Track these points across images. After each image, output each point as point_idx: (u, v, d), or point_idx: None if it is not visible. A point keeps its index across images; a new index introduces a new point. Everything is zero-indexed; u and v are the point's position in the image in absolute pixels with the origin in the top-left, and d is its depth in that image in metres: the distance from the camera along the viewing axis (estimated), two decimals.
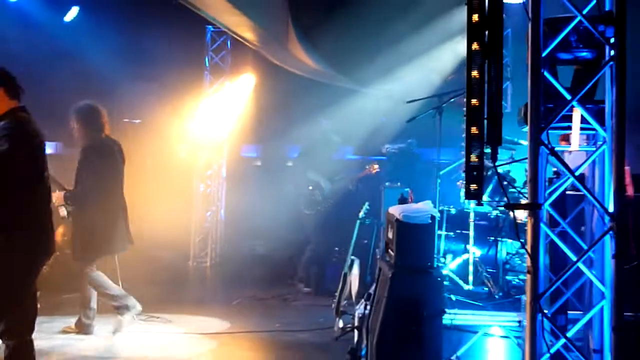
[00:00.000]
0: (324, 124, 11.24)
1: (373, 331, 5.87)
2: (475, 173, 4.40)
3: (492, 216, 8.79)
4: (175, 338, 8.41)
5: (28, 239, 5.39)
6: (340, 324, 8.35)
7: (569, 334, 4.42)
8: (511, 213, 5.31)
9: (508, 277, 8.51)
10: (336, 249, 10.93)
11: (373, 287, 7.31)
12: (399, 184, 10.26)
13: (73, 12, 12.65)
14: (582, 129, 4.75)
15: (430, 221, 5.99)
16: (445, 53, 11.62)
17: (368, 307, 6.36)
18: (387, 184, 10.05)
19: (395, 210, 6.09)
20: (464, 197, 4.89)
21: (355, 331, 6.97)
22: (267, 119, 13.84)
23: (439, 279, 6.19)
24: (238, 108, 13.11)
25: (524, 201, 7.73)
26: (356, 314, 7.33)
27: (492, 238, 8.64)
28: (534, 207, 4.26)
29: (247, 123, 13.52)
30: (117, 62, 12.07)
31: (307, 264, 11.10)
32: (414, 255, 5.85)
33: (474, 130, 4.31)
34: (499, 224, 8.67)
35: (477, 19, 4.34)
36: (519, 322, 7.14)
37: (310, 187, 10.86)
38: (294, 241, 11.77)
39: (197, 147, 13.33)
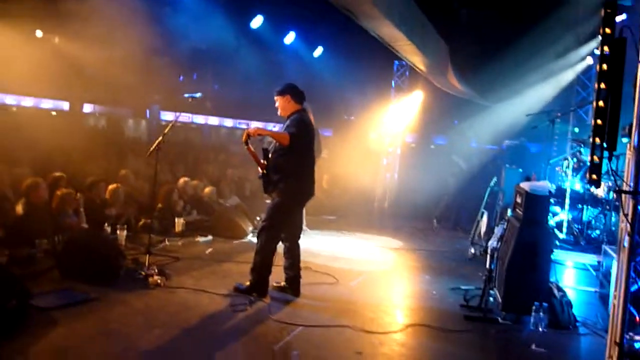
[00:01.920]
0: (461, 125, 11.27)
1: (502, 259, 5.85)
2: (596, 168, 4.14)
3: (580, 192, 8.35)
4: (372, 249, 8.87)
5: (298, 184, 5.75)
6: (472, 250, 8.59)
7: None
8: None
9: (589, 232, 8.09)
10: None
11: (500, 231, 7.39)
12: (514, 166, 10.16)
13: (319, 51, 13.19)
14: None
15: (548, 193, 5.88)
16: (552, 83, 11.19)
17: (498, 243, 6.20)
18: (507, 165, 9.90)
19: (525, 185, 5.99)
20: (586, 180, 4.51)
21: (488, 257, 6.75)
22: (426, 119, 13.92)
23: (550, 230, 6.13)
24: (411, 112, 13.29)
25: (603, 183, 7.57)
26: (488, 247, 7.20)
27: (580, 205, 8.24)
28: (635, 194, 3.93)
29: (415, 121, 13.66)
30: (342, 82, 12.62)
31: (445, 209, 11.15)
32: (535, 214, 5.67)
33: (597, 140, 4.07)
34: (585, 197, 8.18)
35: (605, 68, 4.05)
36: (599, 262, 6.98)
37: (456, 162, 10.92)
38: (439, 196, 11.93)
39: (383, 135, 13.65)
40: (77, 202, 7.18)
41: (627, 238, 3.87)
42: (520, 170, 9.59)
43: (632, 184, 3.85)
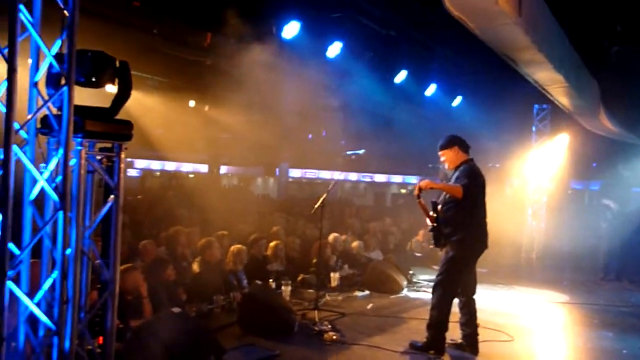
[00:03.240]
0: (621, 168, 10.52)
1: None
2: None
3: None
4: (537, 303, 8.41)
5: (471, 237, 5.57)
6: None
7: None
8: None
9: None
10: None
11: None
12: None
13: (458, 100, 13.13)
14: None
15: None
16: None
17: None
18: None
19: None
20: None
21: None
22: (576, 163, 13.23)
23: None
24: (557, 158, 12.67)
25: None
26: None
27: None
28: None
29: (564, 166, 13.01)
30: (481, 130, 12.39)
31: (607, 259, 10.36)
32: None
33: None
34: None
35: None
36: None
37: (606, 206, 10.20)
38: (594, 246, 11.14)
39: (527, 182, 13.10)
40: (245, 258, 7.50)
41: None
42: None
43: None
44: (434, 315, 5.63)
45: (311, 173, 27.59)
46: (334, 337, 5.85)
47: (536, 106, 13.32)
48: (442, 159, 5.87)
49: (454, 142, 5.78)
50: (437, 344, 5.59)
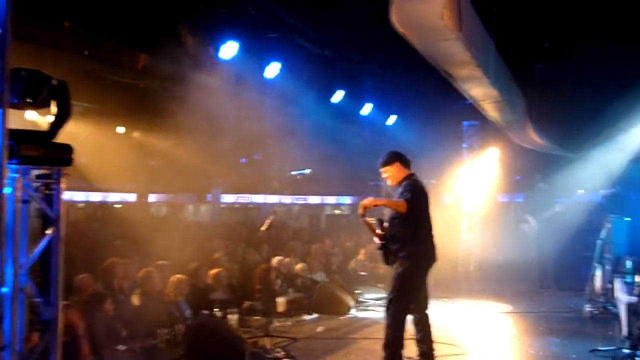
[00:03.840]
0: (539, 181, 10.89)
1: None
2: None
3: None
4: (483, 314, 8.57)
5: (419, 250, 5.51)
6: (589, 308, 8.17)
7: None
8: None
9: None
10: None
11: (622, 285, 7.00)
12: (619, 215, 9.52)
13: (392, 119, 13.30)
14: None
15: None
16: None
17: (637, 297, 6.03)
18: (611, 216, 9.41)
19: None
20: None
21: (625, 313, 6.51)
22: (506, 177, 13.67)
23: None
24: (487, 173, 13.06)
25: None
26: (624, 302, 6.79)
27: None
28: None
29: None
30: (416, 146, 12.55)
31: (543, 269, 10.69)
32: None
33: None
34: None
35: None
36: None
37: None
38: (529, 257, 11.53)
39: (460, 197, 13.40)
40: (187, 288, 7.18)
41: None
42: (629, 219, 9.14)
43: None
44: (390, 334, 5.52)
45: (244, 198, 27.17)
46: None
47: (466, 123, 13.75)
48: (384, 175, 5.81)
49: (396, 158, 5.74)
50: None
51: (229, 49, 8.21)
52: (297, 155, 14.48)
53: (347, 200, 26.63)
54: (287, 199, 28.22)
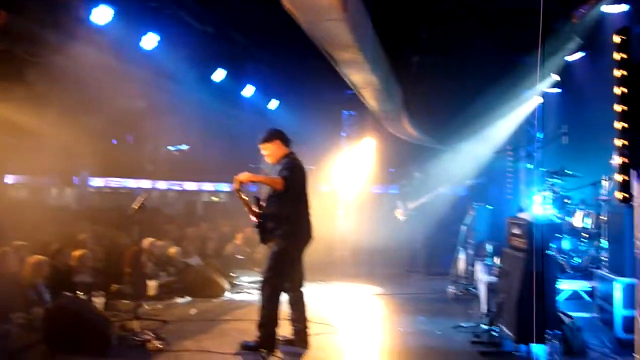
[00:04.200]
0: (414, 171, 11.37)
1: (505, 292, 5.86)
2: (624, 186, 4.25)
3: (557, 222, 7.97)
4: (356, 295, 8.79)
5: (296, 229, 5.58)
6: (453, 289, 8.64)
7: None
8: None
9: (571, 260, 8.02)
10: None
11: (483, 267, 7.48)
12: (482, 204, 10.18)
13: (274, 103, 13.15)
14: None
15: (550, 220, 6.09)
16: (505, 123, 11.66)
17: (495, 278, 6.34)
18: (475, 204, 10.03)
19: (526, 215, 6.11)
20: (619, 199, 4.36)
21: (484, 292, 6.98)
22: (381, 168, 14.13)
23: (555, 257, 6.18)
24: (364, 160, 13.46)
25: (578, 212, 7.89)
26: (483, 282, 7.25)
27: (559, 235, 7.96)
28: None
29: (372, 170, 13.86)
30: (296, 132, 12.55)
31: (414, 255, 11.14)
32: (540, 243, 5.52)
33: (624, 160, 4.25)
34: (562, 228, 8.00)
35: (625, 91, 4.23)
36: (592, 287, 7.05)
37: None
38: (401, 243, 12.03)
39: (337, 185, 13.69)
40: (47, 270, 6.65)
41: None
42: (490, 207, 9.83)
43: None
44: (264, 314, 5.52)
45: (115, 182, 25.75)
46: (159, 345, 5.43)
47: (345, 112, 14.07)
48: (263, 152, 5.79)
49: (276, 135, 5.75)
50: (268, 342, 5.49)
51: (102, 14, 7.64)
52: (173, 136, 13.98)
53: (224, 187, 26.15)
54: (162, 185, 27.21)
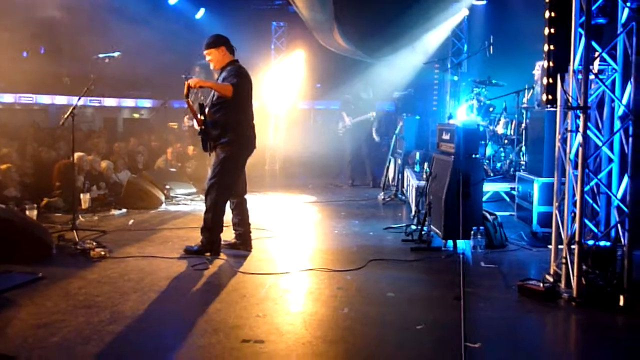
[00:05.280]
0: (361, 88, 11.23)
1: (435, 194, 6.25)
2: (551, 88, 4.46)
3: (481, 129, 8.42)
4: (290, 203, 9.09)
5: (241, 137, 5.64)
6: (383, 196, 9.09)
7: None
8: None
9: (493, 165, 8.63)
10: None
11: (413, 174, 7.87)
12: (409, 114, 10.49)
13: (201, 12, 12.69)
14: None
15: (476, 127, 6.37)
16: (433, 35, 11.83)
17: (424, 182, 6.79)
18: (404, 115, 10.29)
19: (455, 121, 6.45)
20: (541, 101, 4.73)
21: (414, 196, 7.46)
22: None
23: (481, 161, 6.56)
24: (294, 75, 13.41)
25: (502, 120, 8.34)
26: (413, 186, 7.71)
27: (482, 142, 8.55)
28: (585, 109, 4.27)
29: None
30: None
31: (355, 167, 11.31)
32: (467, 147, 6.00)
33: (551, 64, 4.47)
34: (486, 134, 8.56)
35: None
36: (512, 188, 7.52)
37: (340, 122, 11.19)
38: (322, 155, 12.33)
39: (267, 97, 13.62)
40: None
41: (580, 149, 4.30)
42: (418, 117, 10.18)
43: (579, 102, 4.30)
44: (209, 218, 5.66)
45: (27, 98, 24.23)
46: (102, 252, 5.47)
47: (274, 24, 13.83)
48: (207, 58, 5.76)
49: (222, 41, 5.71)
50: (213, 246, 5.67)
51: None
52: (93, 49, 13.20)
53: (147, 103, 25.23)
54: (79, 101, 25.90)
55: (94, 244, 5.69)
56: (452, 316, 4.09)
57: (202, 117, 5.60)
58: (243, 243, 5.90)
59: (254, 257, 5.71)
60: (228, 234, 5.97)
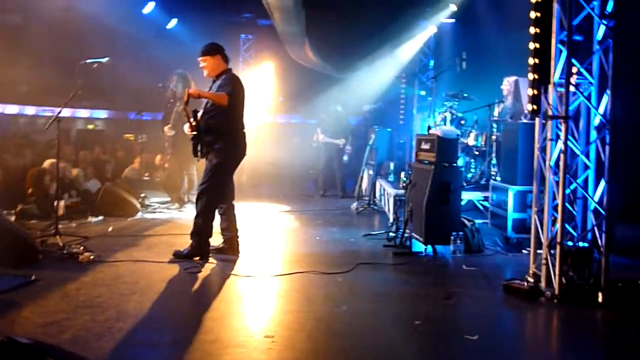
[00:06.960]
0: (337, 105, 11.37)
1: (414, 202, 6.44)
2: (536, 99, 4.67)
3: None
4: (266, 212, 9.27)
5: (234, 144, 5.79)
6: (356, 205, 9.33)
7: None
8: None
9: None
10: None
11: (388, 184, 8.11)
12: (381, 127, 10.72)
13: (173, 22, 12.71)
14: None
15: (456, 137, 6.67)
16: (402, 52, 12.24)
17: (402, 190, 7.05)
18: (376, 127, 10.52)
19: (436, 131, 6.67)
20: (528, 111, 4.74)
21: (391, 204, 7.69)
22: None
23: (460, 169, 6.73)
24: (263, 87, 13.53)
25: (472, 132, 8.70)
26: (392, 195, 7.94)
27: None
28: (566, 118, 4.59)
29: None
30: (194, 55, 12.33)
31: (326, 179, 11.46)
32: (447, 156, 6.28)
33: (535, 76, 4.69)
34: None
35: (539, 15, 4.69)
36: (485, 197, 7.81)
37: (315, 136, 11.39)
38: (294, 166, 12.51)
39: None
40: None
41: (561, 156, 4.63)
42: (389, 129, 10.50)
43: (560, 112, 4.67)
44: (199, 223, 5.75)
45: None
46: (91, 257, 5.48)
47: (242, 36, 13.98)
48: (202, 65, 5.87)
49: (218, 50, 5.84)
50: (202, 250, 5.75)
51: None
52: (47, 57, 12.99)
53: (102, 114, 24.77)
54: (30, 110, 25.23)
55: (82, 248, 5.68)
56: (444, 312, 4.37)
57: (195, 123, 5.71)
58: (231, 248, 5.99)
59: (244, 261, 5.82)
60: (216, 239, 6.05)
